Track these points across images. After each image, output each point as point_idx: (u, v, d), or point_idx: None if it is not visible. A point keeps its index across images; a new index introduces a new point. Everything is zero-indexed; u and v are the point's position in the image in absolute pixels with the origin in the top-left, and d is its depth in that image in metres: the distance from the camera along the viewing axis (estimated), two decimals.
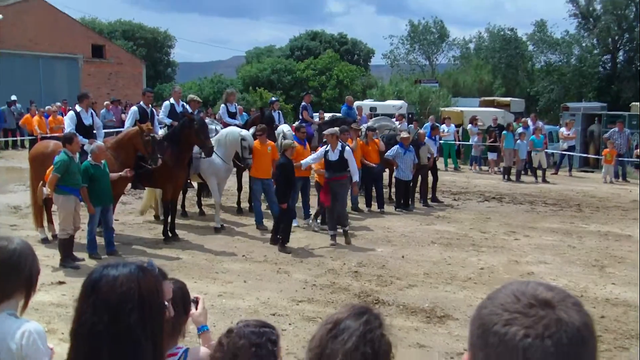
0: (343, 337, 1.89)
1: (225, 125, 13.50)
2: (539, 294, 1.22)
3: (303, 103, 17.02)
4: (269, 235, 11.22)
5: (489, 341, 1.20)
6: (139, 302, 1.74)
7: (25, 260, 2.53)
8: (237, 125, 13.75)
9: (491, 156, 21.71)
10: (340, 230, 10.91)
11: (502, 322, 1.19)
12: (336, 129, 11.68)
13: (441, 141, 19.95)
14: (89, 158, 9.51)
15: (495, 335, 1.19)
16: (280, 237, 10.40)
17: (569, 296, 1.24)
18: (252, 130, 11.97)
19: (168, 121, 12.27)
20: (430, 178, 15.13)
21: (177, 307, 2.62)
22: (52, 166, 9.10)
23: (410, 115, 25.96)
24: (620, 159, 20.08)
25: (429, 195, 14.98)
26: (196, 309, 2.96)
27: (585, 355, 1.18)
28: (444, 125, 21.76)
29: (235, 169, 13.28)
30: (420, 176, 14.73)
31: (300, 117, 16.59)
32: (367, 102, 27.75)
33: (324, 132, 12.21)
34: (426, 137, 15.54)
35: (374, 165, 13.68)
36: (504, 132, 20.06)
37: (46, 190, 9.26)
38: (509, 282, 1.32)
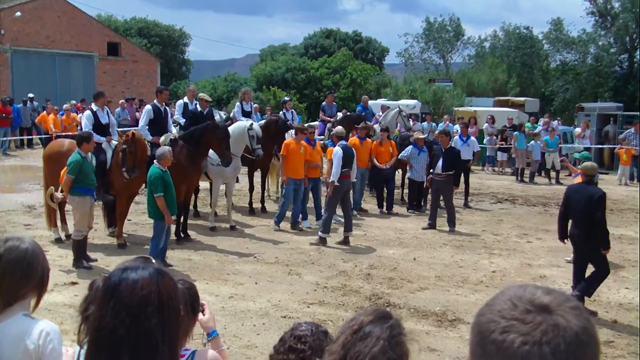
0: (370, 340, 1.91)
1: None
2: (536, 299, 1.21)
3: (323, 103, 17.12)
4: (281, 235, 11.24)
5: (487, 349, 1.19)
6: (158, 305, 1.74)
7: (37, 259, 2.54)
8: None
9: (501, 156, 21.61)
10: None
11: (499, 329, 1.18)
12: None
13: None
14: (156, 163, 8.96)
15: (493, 344, 1.18)
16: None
17: (567, 300, 1.22)
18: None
19: (183, 120, 12.32)
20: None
21: (186, 309, 2.63)
22: (65, 167, 9.09)
23: (423, 115, 25.88)
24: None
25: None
26: (203, 314, 2.97)
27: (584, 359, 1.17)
28: (456, 126, 21.63)
29: (246, 169, 13.32)
30: None
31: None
32: (381, 102, 27.61)
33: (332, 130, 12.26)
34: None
35: (383, 166, 13.66)
36: (516, 132, 19.94)
37: (59, 194, 9.18)
38: (506, 287, 1.30)
